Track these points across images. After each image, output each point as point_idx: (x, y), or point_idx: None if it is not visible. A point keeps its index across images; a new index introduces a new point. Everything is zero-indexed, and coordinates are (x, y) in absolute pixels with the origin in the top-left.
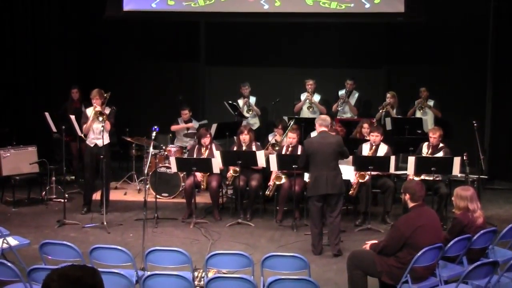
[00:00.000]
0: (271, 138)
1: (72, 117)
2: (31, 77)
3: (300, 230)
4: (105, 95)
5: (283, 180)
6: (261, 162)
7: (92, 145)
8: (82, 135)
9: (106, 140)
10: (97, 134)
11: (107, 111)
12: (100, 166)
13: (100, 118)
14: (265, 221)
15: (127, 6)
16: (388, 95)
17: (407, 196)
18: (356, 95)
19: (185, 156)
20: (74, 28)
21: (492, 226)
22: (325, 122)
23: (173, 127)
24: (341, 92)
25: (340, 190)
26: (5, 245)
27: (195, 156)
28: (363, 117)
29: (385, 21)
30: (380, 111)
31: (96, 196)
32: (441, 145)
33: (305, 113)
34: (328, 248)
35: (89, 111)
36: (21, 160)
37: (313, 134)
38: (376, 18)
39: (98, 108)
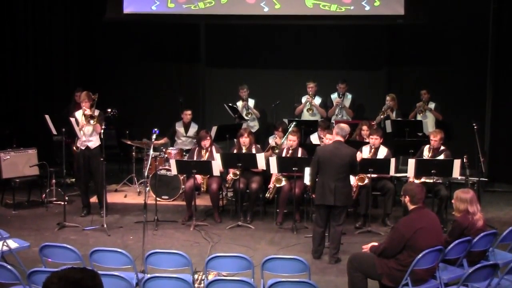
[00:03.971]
0: (271, 140)
1: (72, 119)
2: (32, 80)
3: (301, 232)
4: (93, 97)
5: (283, 183)
6: (261, 164)
7: (83, 148)
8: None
9: (97, 142)
10: (88, 136)
11: (96, 113)
12: (93, 168)
13: (92, 121)
14: (265, 223)
15: (127, 9)
16: (388, 97)
17: (407, 199)
18: (349, 96)
19: (185, 158)
20: (75, 30)
21: (492, 229)
22: (342, 132)
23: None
24: (333, 96)
25: (345, 203)
26: (5, 248)
27: (195, 159)
28: (362, 119)
29: (385, 23)
30: (381, 116)
31: (94, 198)
32: (442, 147)
33: (305, 115)
34: (329, 250)
35: (78, 115)
36: (21, 163)
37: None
38: (376, 20)
39: (88, 112)
